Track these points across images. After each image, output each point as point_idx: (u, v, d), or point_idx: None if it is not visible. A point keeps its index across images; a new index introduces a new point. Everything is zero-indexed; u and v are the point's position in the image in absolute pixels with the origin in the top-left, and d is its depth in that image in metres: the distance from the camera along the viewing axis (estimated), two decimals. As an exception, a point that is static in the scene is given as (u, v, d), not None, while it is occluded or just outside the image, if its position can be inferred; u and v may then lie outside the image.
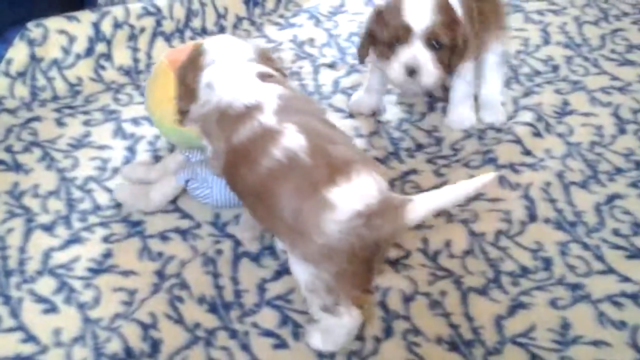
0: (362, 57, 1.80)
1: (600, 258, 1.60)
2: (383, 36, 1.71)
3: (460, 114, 1.93)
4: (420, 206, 1.25)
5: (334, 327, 1.36)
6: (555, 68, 2.12)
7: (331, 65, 2.13)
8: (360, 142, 1.87)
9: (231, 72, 1.44)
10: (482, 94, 1.96)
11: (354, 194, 1.23)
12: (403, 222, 1.25)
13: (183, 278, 1.53)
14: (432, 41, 1.67)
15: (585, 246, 1.62)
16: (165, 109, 1.65)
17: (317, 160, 1.26)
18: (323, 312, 1.33)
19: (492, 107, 1.95)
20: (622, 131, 1.91)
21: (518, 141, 1.86)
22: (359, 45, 1.80)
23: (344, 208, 1.22)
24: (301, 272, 1.31)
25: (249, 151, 1.32)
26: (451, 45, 1.70)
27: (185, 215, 1.66)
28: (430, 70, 1.69)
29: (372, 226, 1.23)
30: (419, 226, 1.65)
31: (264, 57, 1.51)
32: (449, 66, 1.73)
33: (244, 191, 1.37)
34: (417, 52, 1.67)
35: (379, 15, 1.71)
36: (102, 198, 1.70)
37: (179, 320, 1.46)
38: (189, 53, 1.52)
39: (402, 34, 1.67)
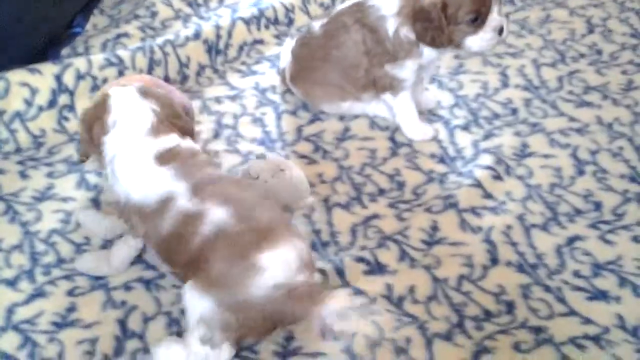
0: (443, 42, 1.91)
1: (562, 300, 1.62)
2: (468, 16, 1.87)
3: (416, 128, 2.07)
4: (338, 302, 1.36)
5: (205, 357, 1.41)
6: (514, 111, 2.15)
7: (293, 112, 2.14)
8: (323, 188, 1.88)
9: (132, 162, 1.50)
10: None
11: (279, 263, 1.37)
12: (318, 309, 1.35)
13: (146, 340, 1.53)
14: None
15: (547, 288, 1.64)
16: None
17: (244, 227, 1.39)
18: (203, 343, 1.40)
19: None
20: (581, 172, 1.94)
21: (478, 185, 1.89)
22: (434, 37, 1.90)
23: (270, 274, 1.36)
24: (200, 304, 1.39)
25: (180, 235, 1.43)
26: None
27: (149, 267, 1.66)
28: (506, 24, 1.91)
29: (290, 301, 1.37)
30: (383, 272, 1.67)
31: (169, 117, 1.57)
32: None
33: (176, 263, 1.48)
34: (498, 15, 1.89)
35: (448, 5, 1.86)
36: (66, 250, 1.70)
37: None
38: (96, 100, 1.58)
39: (486, 6, 1.86)
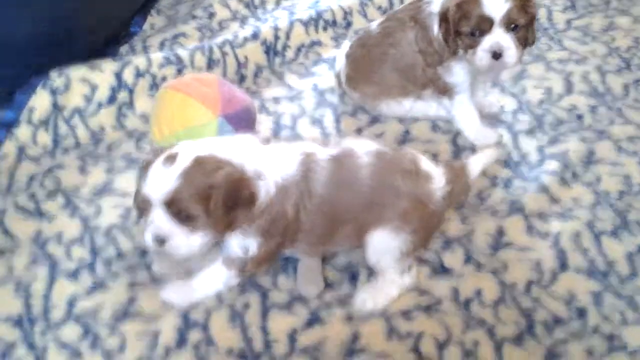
0: (453, 50, 1.88)
1: (635, 307, 1.56)
2: (466, 28, 1.81)
3: (481, 132, 2.02)
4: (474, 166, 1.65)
5: (392, 286, 1.57)
6: (579, 117, 2.10)
7: (352, 114, 2.11)
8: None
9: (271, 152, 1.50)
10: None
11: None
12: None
13: (209, 332, 1.51)
14: (511, 25, 1.78)
15: (619, 296, 1.59)
16: (174, 127, 1.77)
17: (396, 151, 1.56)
18: (400, 274, 1.57)
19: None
20: (651, 181, 1.89)
21: (545, 190, 1.84)
22: (445, 41, 1.88)
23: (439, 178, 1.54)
24: (399, 243, 1.50)
25: (342, 182, 1.47)
26: (526, 24, 1.81)
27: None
28: (512, 51, 1.79)
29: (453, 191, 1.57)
30: (448, 275, 1.63)
31: None
32: (526, 42, 1.85)
33: (343, 222, 1.51)
34: (499, 38, 1.79)
35: (459, 9, 1.80)
36: (126, 245, 1.68)
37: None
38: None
39: (484, 24, 1.78)
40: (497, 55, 1.79)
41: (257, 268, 1.54)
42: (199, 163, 1.37)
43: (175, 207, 1.37)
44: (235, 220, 1.40)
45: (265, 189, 1.42)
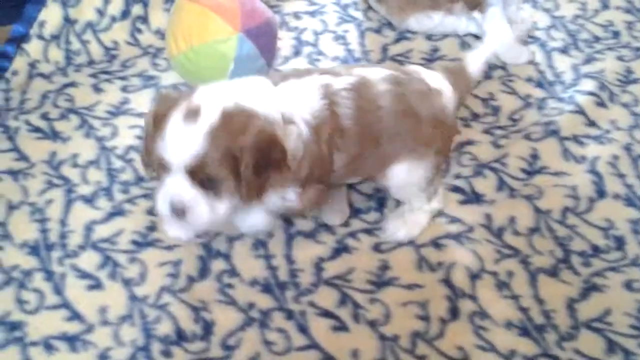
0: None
1: (676, 235, 1.51)
2: None
3: (513, 49, 1.93)
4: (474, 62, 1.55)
5: (422, 214, 1.51)
6: (616, 34, 2.00)
7: (378, 30, 2.02)
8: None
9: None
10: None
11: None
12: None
13: (232, 261, 1.46)
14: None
15: (660, 225, 1.53)
16: (191, 41, 1.69)
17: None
18: (428, 201, 1.50)
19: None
20: (692, 99, 1.80)
21: (581, 111, 1.76)
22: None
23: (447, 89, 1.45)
24: (424, 171, 1.42)
25: (366, 112, 1.35)
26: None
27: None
28: None
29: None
30: (480, 201, 1.56)
31: None
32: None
33: (374, 146, 1.38)
34: None
35: None
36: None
37: (232, 302, 1.39)
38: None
39: None
40: None
41: (305, 213, 1.47)
42: (227, 119, 1.19)
43: (201, 173, 1.20)
44: (267, 183, 1.25)
45: (298, 133, 1.27)
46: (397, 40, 1.99)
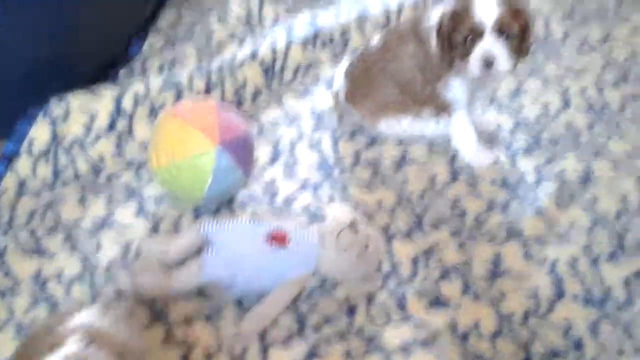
0: (449, 62, 1.89)
1: (631, 335, 1.57)
2: (459, 38, 1.83)
3: (479, 152, 2.03)
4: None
5: None
6: (577, 134, 2.10)
7: (351, 137, 2.12)
8: (383, 216, 1.86)
9: None
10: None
11: None
12: None
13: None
14: (502, 33, 1.80)
15: (617, 323, 1.59)
16: (172, 156, 1.77)
17: None
18: None
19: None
20: (649, 199, 1.89)
21: (542, 213, 1.85)
22: (440, 53, 1.88)
23: None
24: None
25: None
26: (520, 32, 1.82)
27: (208, 298, 1.65)
28: (504, 59, 1.80)
29: None
30: (447, 305, 1.64)
31: None
32: (520, 52, 1.86)
33: None
34: (491, 46, 1.79)
35: (452, 19, 1.83)
36: (126, 281, 1.69)
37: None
38: None
39: (476, 32, 1.80)
40: (488, 63, 1.80)
41: None
42: None
43: None
44: None
45: None
46: (369, 145, 2.09)
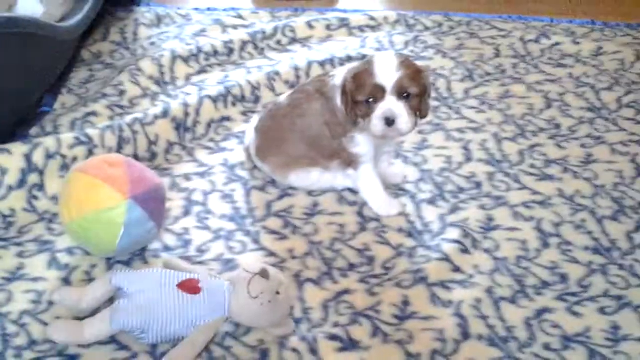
0: (353, 120, 1.99)
1: (532, 375, 1.64)
2: (361, 98, 1.92)
3: (385, 203, 2.11)
4: None
5: None
6: (478, 185, 2.20)
7: (262, 188, 2.17)
8: (294, 264, 1.90)
9: None
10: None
11: None
12: None
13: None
14: (402, 93, 1.90)
15: (518, 362, 1.67)
16: (82, 210, 1.79)
17: None
18: None
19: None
20: (546, 245, 1.98)
21: (447, 259, 1.92)
22: (345, 112, 1.98)
23: None
24: None
25: None
26: (419, 93, 1.93)
27: (122, 347, 1.66)
28: (404, 119, 1.90)
29: None
30: (357, 347, 1.68)
31: None
32: (420, 111, 1.97)
33: None
34: (391, 105, 1.89)
35: (355, 80, 1.93)
36: (38, 332, 1.69)
37: None
38: None
39: (377, 93, 1.90)
40: (389, 121, 1.89)
41: None
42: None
43: None
44: None
45: None
46: (280, 197, 2.14)
